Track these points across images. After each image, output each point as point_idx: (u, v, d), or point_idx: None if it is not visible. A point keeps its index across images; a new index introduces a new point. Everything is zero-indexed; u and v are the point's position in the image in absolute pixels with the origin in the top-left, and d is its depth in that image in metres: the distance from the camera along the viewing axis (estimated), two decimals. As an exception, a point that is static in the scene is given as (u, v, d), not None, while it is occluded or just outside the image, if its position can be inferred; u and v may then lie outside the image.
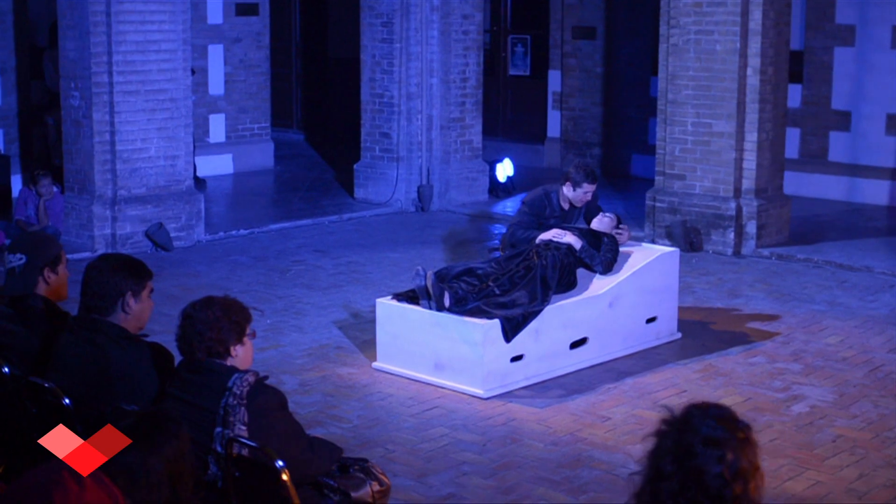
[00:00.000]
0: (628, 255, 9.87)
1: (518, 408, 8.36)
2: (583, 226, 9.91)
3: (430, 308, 8.73)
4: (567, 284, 9.26)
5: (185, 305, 5.27)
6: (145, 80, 12.82)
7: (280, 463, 4.82)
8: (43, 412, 5.54)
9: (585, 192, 9.75)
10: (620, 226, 9.96)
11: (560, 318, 9.05)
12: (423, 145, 15.45)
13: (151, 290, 5.84)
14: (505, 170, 16.44)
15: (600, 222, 9.91)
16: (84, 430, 5.17)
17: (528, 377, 8.81)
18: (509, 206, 15.66)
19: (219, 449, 4.98)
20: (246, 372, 5.11)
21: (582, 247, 9.39)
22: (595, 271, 9.49)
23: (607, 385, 8.85)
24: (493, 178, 16.25)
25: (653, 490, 3.51)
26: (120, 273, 5.71)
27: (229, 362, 5.16)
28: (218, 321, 5.16)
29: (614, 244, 9.67)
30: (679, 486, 3.45)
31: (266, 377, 5.21)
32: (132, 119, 12.76)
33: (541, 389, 8.73)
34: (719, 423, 3.50)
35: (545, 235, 9.54)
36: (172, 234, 12.99)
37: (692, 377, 9.05)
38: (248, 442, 4.93)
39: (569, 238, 9.41)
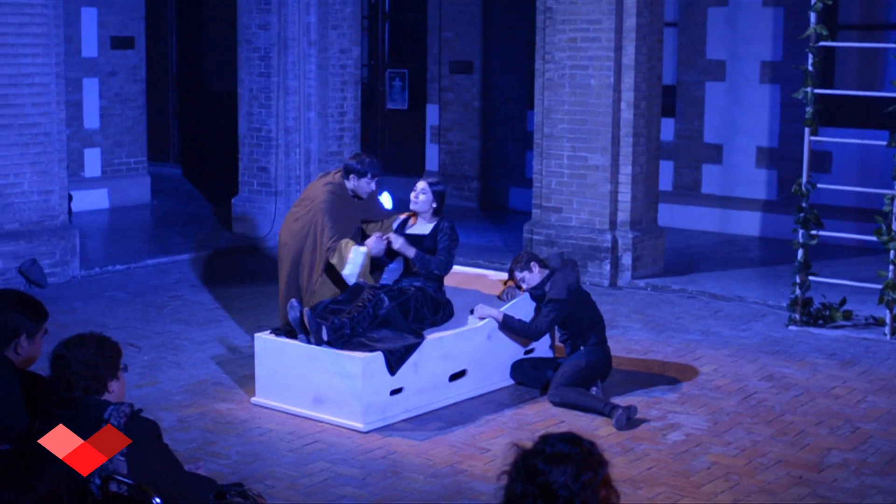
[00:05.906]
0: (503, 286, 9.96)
1: (398, 441, 8.37)
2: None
3: (309, 342, 8.71)
4: (443, 318, 9.33)
5: (56, 346, 5.20)
6: (18, 113, 12.62)
7: (157, 500, 4.78)
8: None
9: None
10: None
11: (439, 350, 9.08)
12: (302, 179, 15.40)
13: (46, 332, 5.75)
14: (384, 203, 16.41)
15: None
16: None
17: (408, 410, 8.82)
18: (388, 239, 15.65)
19: (97, 481, 4.93)
20: (121, 404, 5.08)
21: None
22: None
23: (486, 417, 8.90)
24: (371, 211, 16.20)
25: None
26: (19, 313, 5.59)
27: (105, 397, 5.13)
28: (93, 358, 5.13)
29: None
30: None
31: (141, 410, 5.18)
32: (5, 153, 12.55)
33: (420, 422, 8.75)
34: (561, 442, 3.65)
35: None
36: (47, 271, 12.78)
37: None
38: (126, 480, 4.88)
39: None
